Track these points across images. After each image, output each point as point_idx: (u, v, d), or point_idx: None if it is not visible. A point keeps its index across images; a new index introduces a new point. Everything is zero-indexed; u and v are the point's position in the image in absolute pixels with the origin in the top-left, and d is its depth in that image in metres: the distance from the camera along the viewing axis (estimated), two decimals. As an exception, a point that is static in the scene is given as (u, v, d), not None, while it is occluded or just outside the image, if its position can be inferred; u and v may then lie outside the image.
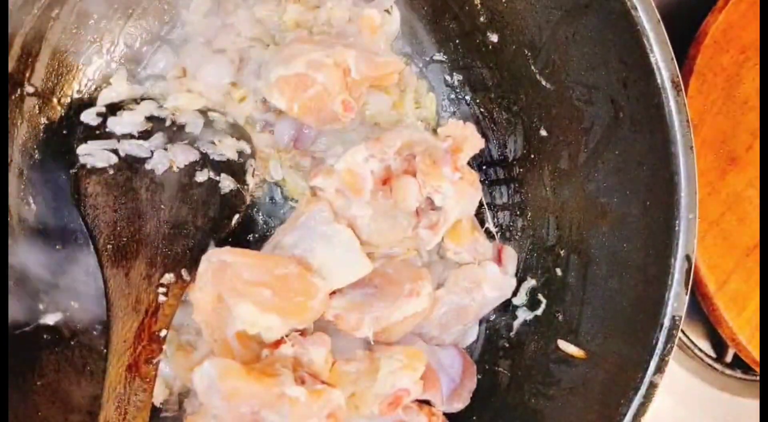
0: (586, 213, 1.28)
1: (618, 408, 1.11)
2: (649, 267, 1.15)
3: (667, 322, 1.10)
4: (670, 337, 1.10)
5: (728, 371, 1.61)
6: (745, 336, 1.47)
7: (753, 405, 1.64)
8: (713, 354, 1.62)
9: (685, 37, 1.51)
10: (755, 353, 1.47)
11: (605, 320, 1.23)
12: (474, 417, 1.34)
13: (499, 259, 1.41)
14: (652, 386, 1.10)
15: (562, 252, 1.33)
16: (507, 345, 1.40)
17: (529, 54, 1.33)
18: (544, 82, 1.32)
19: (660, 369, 1.10)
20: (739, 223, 1.50)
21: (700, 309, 1.51)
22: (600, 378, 1.19)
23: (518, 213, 1.45)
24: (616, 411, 1.12)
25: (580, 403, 1.21)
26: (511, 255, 1.42)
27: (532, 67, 1.33)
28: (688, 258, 1.10)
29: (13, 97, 1.21)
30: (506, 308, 1.41)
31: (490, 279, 1.37)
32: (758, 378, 1.60)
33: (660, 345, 1.10)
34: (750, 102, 1.52)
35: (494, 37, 1.37)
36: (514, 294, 1.40)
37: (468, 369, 1.37)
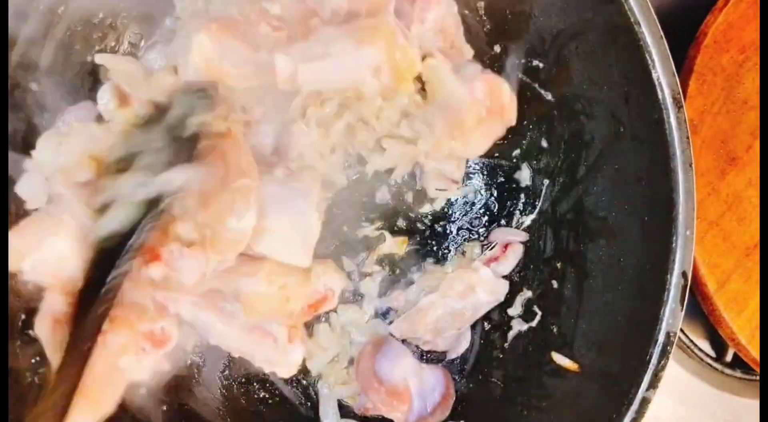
0: (584, 227, 1.29)
1: (610, 423, 1.13)
2: (645, 282, 1.15)
3: (661, 338, 1.10)
4: (664, 353, 1.10)
5: (728, 371, 1.61)
6: (744, 336, 1.47)
7: (753, 405, 1.64)
8: (713, 354, 1.63)
9: (685, 37, 1.50)
10: (755, 353, 1.47)
11: (600, 334, 1.23)
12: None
13: (504, 250, 1.42)
14: (645, 401, 1.11)
15: (558, 264, 1.34)
16: (501, 355, 1.40)
17: (532, 66, 1.33)
18: (545, 95, 1.32)
19: (653, 385, 1.10)
20: (739, 223, 1.49)
21: (700, 309, 1.51)
22: (593, 392, 1.20)
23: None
24: (609, 427, 1.13)
25: (573, 416, 1.22)
26: (516, 252, 1.43)
27: (535, 79, 1.34)
28: (684, 274, 1.10)
29: (15, 93, 1.22)
30: (501, 318, 1.42)
31: (484, 283, 1.38)
32: (758, 378, 1.60)
33: (654, 361, 1.10)
34: (750, 102, 1.51)
35: (497, 48, 1.37)
36: (510, 305, 1.40)
37: (446, 400, 1.38)
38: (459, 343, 1.43)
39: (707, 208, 1.48)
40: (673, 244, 1.10)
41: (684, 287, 1.10)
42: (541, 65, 1.31)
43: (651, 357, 1.10)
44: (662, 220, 1.12)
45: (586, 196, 1.28)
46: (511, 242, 1.44)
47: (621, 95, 1.18)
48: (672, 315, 1.10)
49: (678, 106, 1.10)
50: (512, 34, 1.33)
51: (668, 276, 1.10)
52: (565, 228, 1.34)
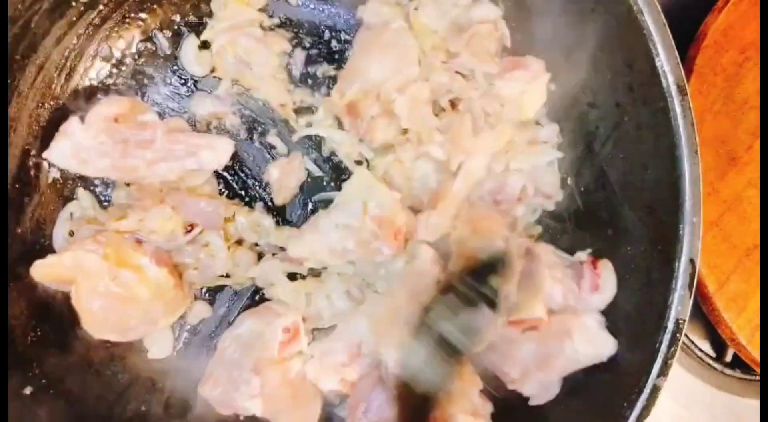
0: (591, 216, 1.29)
1: (621, 410, 1.12)
2: (652, 270, 1.15)
3: (670, 325, 1.10)
4: (673, 340, 1.10)
5: (728, 371, 1.61)
6: (744, 336, 1.47)
7: (753, 405, 1.64)
8: (713, 354, 1.62)
9: (685, 37, 1.51)
10: (755, 353, 1.47)
11: (609, 323, 1.23)
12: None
13: (595, 281, 1.27)
14: (656, 389, 1.11)
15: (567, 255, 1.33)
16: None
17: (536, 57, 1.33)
18: (549, 85, 1.32)
19: (663, 373, 1.10)
20: (739, 223, 1.49)
21: (700, 310, 1.51)
22: (604, 381, 1.20)
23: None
24: (620, 414, 1.12)
25: (584, 405, 1.22)
26: (608, 271, 1.28)
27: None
28: (692, 261, 1.10)
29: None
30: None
31: (585, 332, 1.24)
32: (758, 377, 1.60)
33: (663, 349, 1.10)
34: (750, 102, 1.51)
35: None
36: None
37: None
38: (546, 392, 1.28)
39: (707, 208, 1.46)
40: (681, 231, 1.10)
41: (692, 274, 1.10)
42: (544, 56, 1.31)
43: (660, 344, 1.10)
44: (669, 208, 1.13)
45: (593, 185, 1.28)
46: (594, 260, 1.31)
47: (625, 84, 1.18)
48: (680, 303, 1.10)
49: (682, 93, 1.11)
50: (516, 25, 1.33)
51: (676, 263, 1.10)
52: (572, 218, 1.33)
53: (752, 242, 1.49)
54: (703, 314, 1.51)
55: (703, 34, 1.51)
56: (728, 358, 1.62)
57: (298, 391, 1.29)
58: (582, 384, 1.23)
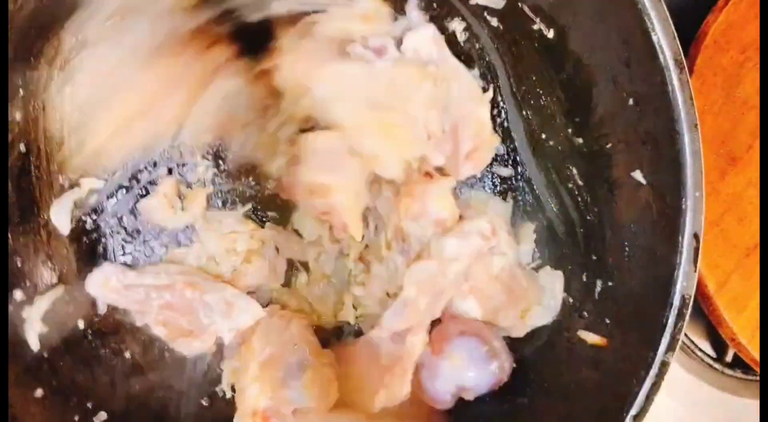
0: (591, 195, 1.29)
1: (631, 387, 1.11)
2: (657, 246, 1.14)
3: (676, 301, 1.09)
4: (680, 316, 1.09)
5: (728, 371, 1.60)
6: (745, 336, 1.46)
7: (753, 405, 1.63)
8: (713, 354, 1.62)
9: (685, 37, 1.51)
10: (755, 353, 1.46)
11: (614, 301, 1.23)
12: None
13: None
14: (664, 365, 1.10)
15: (568, 233, 1.34)
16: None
17: (530, 35, 1.32)
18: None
19: (671, 348, 1.10)
20: (739, 223, 1.50)
21: (700, 310, 1.51)
22: (612, 360, 1.19)
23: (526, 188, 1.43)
24: (629, 391, 1.11)
25: (593, 384, 1.21)
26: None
27: (533, 49, 1.33)
28: (696, 236, 1.10)
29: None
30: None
31: None
32: (758, 378, 1.59)
33: (670, 324, 1.10)
34: (750, 102, 1.52)
35: (494, 22, 1.36)
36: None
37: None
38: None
39: (707, 209, 1.45)
40: (683, 206, 1.10)
41: (696, 249, 1.09)
42: (538, 35, 1.30)
43: (667, 320, 1.10)
44: (670, 183, 1.12)
45: (592, 163, 1.28)
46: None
47: (622, 60, 1.17)
48: (686, 278, 1.09)
49: (680, 67, 1.11)
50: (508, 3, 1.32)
51: (680, 238, 1.10)
52: (573, 197, 1.33)
53: (752, 242, 1.49)
54: (704, 314, 1.51)
55: (703, 34, 1.51)
56: (728, 358, 1.61)
57: (508, 287, 1.30)
58: (590, 363, 1.23)
